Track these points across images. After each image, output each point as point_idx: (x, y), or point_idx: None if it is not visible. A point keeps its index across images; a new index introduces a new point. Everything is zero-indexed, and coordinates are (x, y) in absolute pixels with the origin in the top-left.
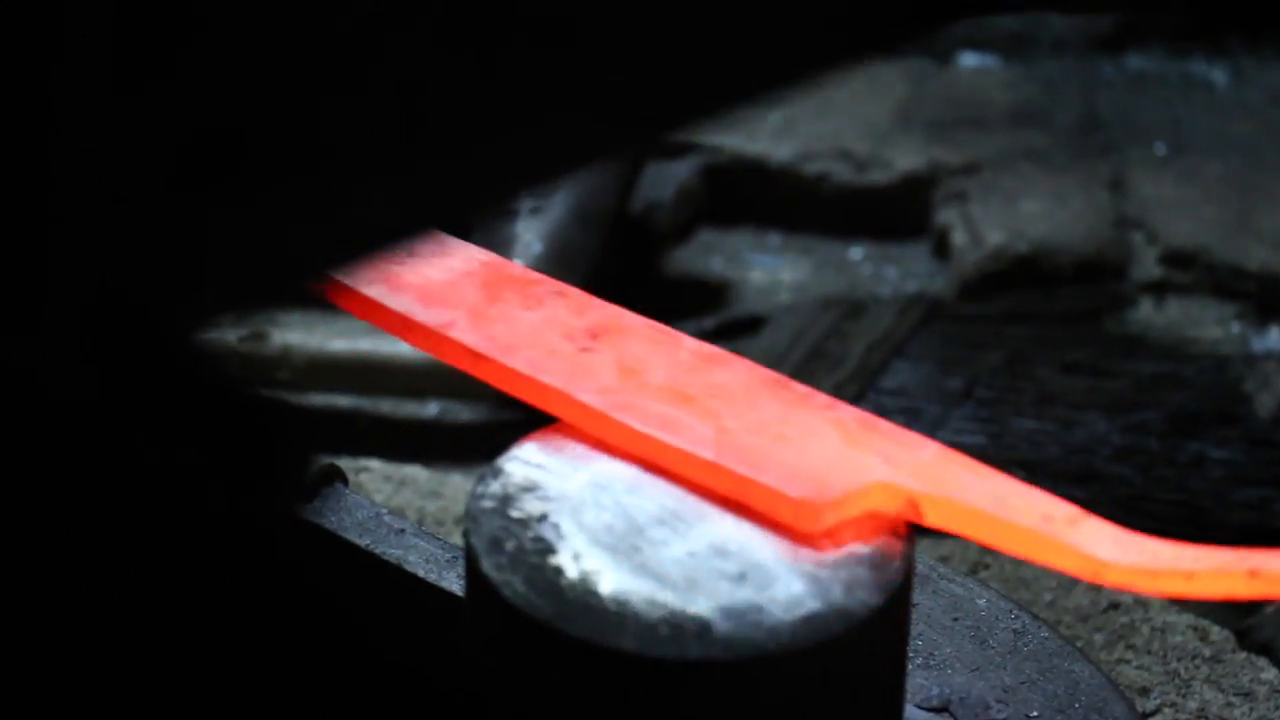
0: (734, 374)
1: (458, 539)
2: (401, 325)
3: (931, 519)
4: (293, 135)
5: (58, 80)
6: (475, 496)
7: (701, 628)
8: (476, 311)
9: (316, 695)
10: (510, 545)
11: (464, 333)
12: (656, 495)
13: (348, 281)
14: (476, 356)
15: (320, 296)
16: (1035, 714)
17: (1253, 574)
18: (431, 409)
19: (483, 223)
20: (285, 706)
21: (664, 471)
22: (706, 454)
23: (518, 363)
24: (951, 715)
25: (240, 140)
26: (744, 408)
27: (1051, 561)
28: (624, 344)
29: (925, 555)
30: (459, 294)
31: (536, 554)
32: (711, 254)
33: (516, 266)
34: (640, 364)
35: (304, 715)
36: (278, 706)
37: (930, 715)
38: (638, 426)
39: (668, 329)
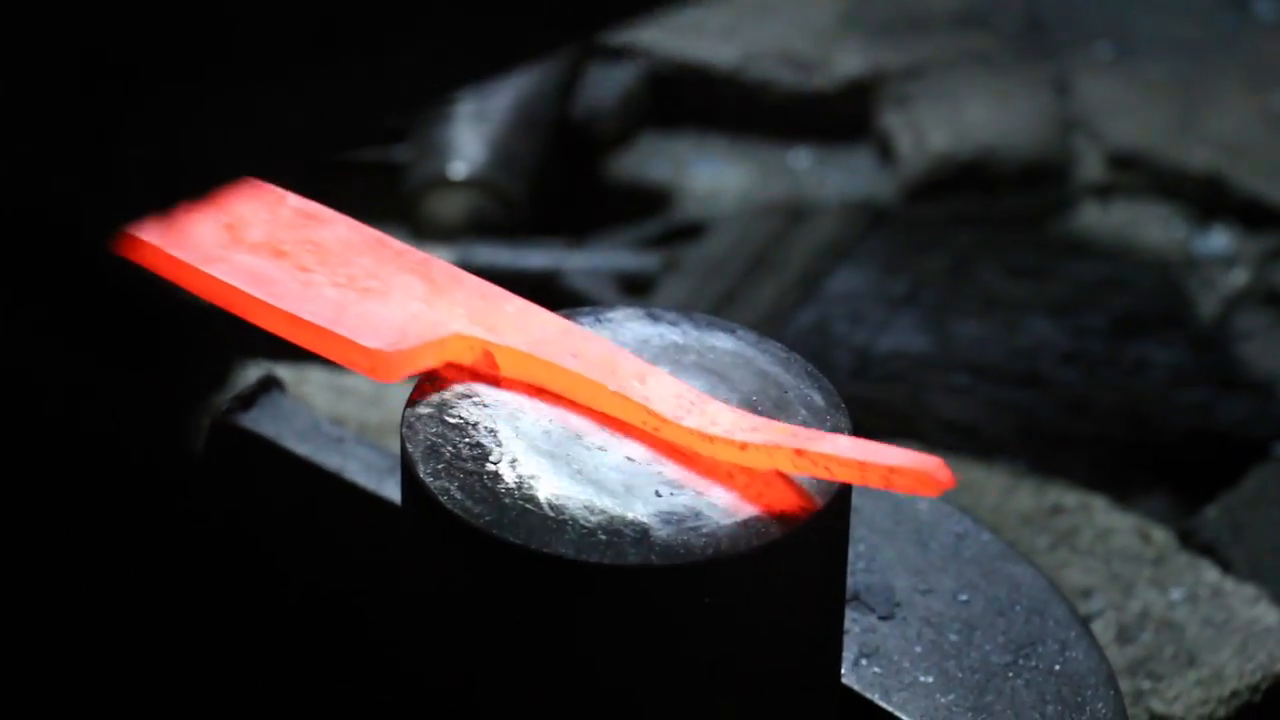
0: (333, 231)
1: (397, 448)
2: None
3: (506, 370)
4: (201, 36)
5: None
6: (412, 403)
7: (640, 533)
8: None
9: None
10: (447, 452)
11: None
12: None
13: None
14: None
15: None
16: (965, 598)
17: (799, 453)
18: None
19: (415, 125)
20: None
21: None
22: (288, 307)
23: None
24: (863, 603)
25: (148, 44)
26: (337, 263)
27: (616, 412)
28: (229, 202)
29: None
30: None
31: (473, 460)
32: (654, 159)
33: None
34: (241, 221)
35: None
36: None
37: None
38: (226, 279)
39: (273, 187)
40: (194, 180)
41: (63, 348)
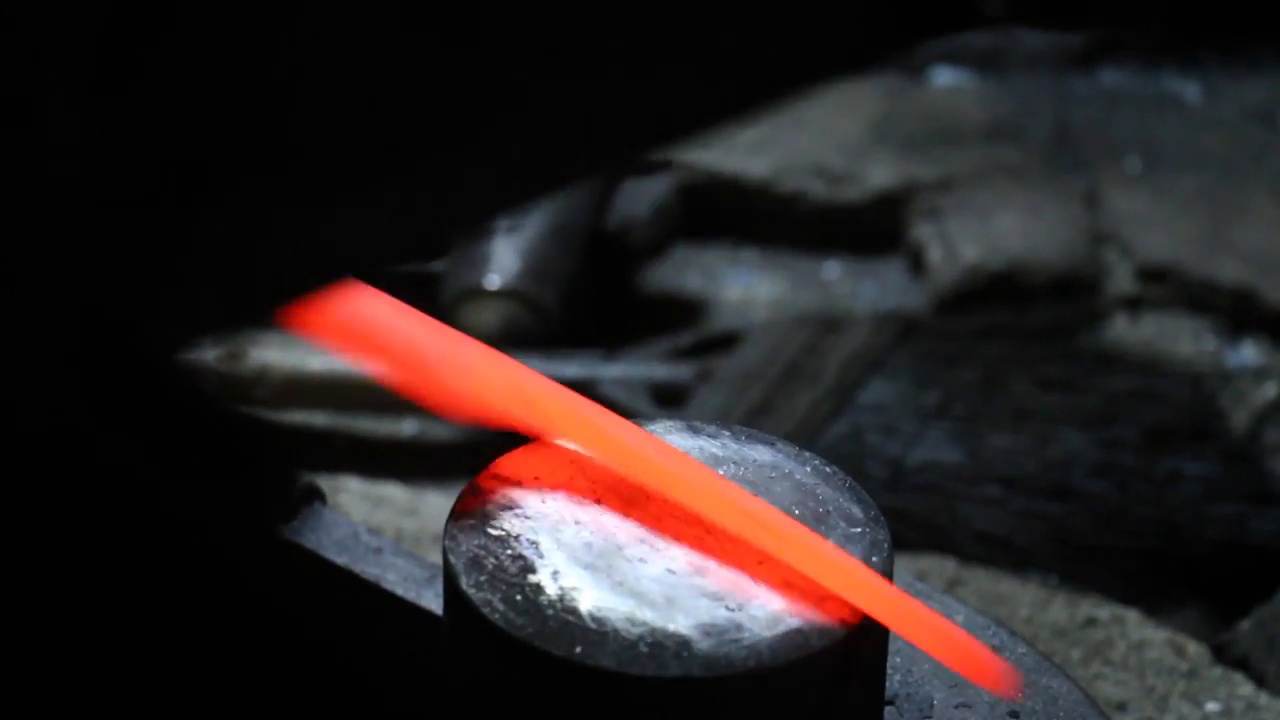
0: None
1: (435, 557)
2: None
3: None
4: (270, 147)
5: (37, 90)
6: (454, 515)
7: (681, 645)
8: None
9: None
10: (489, 563)
11: None
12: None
13: None
14: None
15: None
16: (1003, 711)
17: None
18: (408, 427)
19: (461, 242)
20: None
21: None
22: None
23: None
24: (897, 710)
25: (213, 153)
26: None
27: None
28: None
29: (903, 572)
30: None
31: (516, 572)
32: (687, 270)
33: None
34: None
35: None
36: None
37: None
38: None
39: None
40: (261, 291)
41: (124, 447)
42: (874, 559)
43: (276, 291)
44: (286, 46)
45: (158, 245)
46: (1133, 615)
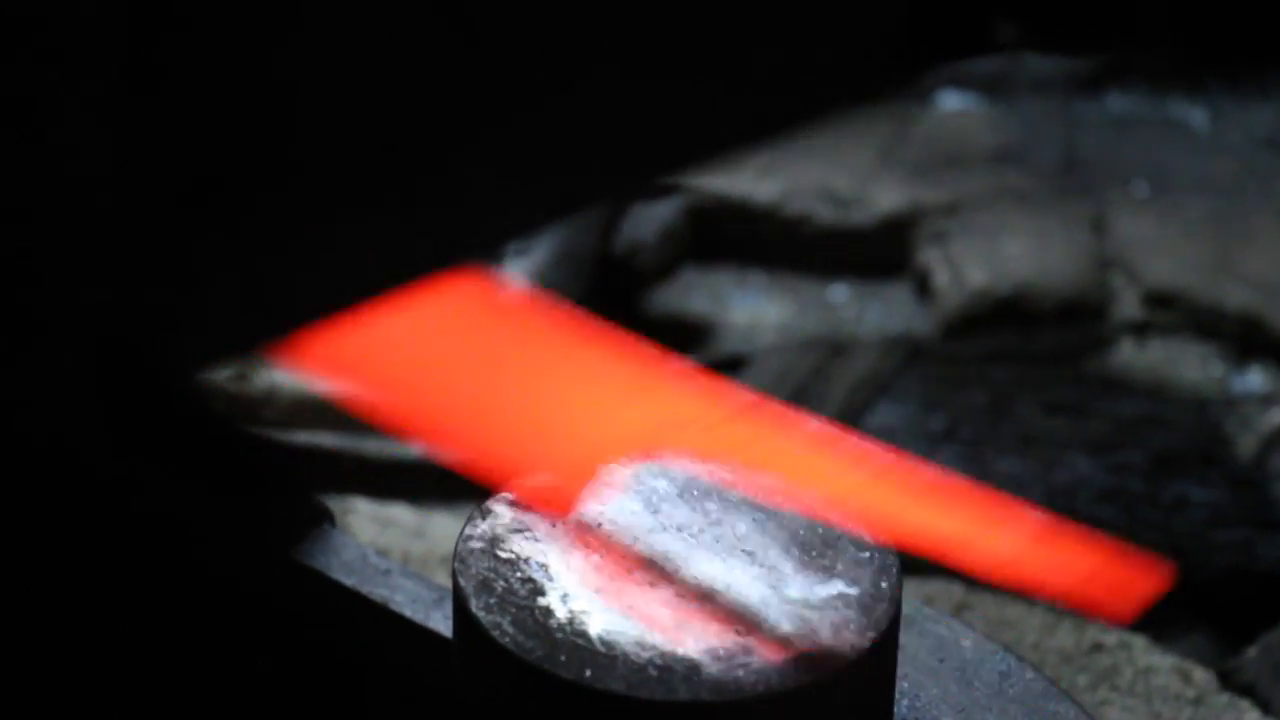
0: None
1: (442, 579)
2: None
3: None
4: (278, 166)
5: (47, 90)
6: (464, 537)
7: (690, 669)
8: None
9: None
10: (499, 586)
11: None
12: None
13: None
14: None
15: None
16: None
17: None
18: (416, 449)
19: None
20: None
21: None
22: None
23: None
24: None
25: (221, 164)
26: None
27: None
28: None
29: (911, 596)
30: None
31: (526, 595)
32: (694, 294)
33: None
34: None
35: None
36: None
37: None
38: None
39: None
40: (275, 314)
41: (132, 462)
42: (883, 583)
43: (289, 310)
44: (291, 46)
45: (169, 254)
46: (1139, 641)
